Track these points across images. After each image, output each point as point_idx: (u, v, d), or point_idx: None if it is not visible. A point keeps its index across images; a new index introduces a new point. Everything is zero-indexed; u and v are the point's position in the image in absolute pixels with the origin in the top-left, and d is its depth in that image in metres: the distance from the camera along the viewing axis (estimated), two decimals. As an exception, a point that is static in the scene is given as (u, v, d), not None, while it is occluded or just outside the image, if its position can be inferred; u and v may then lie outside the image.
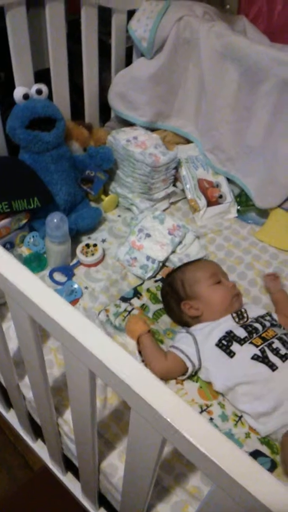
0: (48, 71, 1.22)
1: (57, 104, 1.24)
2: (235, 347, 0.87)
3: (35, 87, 1.10)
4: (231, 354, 0.87)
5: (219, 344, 0.88)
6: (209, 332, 0.91)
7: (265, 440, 0.82)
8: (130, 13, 1.29)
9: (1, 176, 1.09)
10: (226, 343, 0.88)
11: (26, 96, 1.09)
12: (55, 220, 1.04)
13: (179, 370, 0.90)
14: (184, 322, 0.99)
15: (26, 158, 1.14)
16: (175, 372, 0.91)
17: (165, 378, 0.90)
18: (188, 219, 1.30)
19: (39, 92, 1.10)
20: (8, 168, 1.12)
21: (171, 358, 0.90)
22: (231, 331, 0.89)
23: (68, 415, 0.84)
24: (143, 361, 0.93)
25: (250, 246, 1.23)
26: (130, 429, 0.51)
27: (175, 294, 1.00)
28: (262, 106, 1.13)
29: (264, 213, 1.28)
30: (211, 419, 0.85)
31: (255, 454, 0.80)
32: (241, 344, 0.87)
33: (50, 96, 1.18)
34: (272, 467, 0.79)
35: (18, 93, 1.08)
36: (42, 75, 1.24)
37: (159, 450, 0.49)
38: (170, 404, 0.43)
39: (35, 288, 0.52)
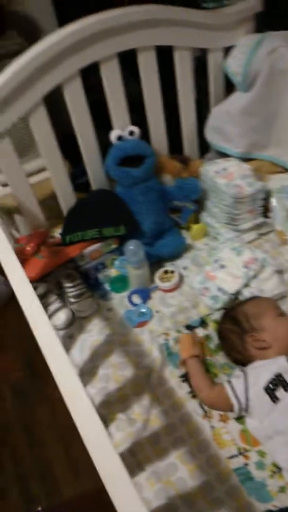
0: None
1: (154, 140, 1.36)
2: (280, 392, 0.82)
3: (128, 129, 1.24)
4: (274, 399, 0.82)
5: (266, 388, 0.84)
6: (260, 372, 0.88)
7: (301, 500, 0.75)
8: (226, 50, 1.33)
9: (95, 206, 1.26)
10: (272, 387, 0.83)
11: (119, 138, 1.24)
12: (132, 247, 1.14)
13: (225, 404, 0.88)
14: (243, 359, 0.96)
15: (119, 191, 1.28)
16: (219, 405, 0.90)
17: (211, 407, 0.91)
18: (276, 252, 1.25)
19: (131, 133, 1.24)
20: (102, 199, 1.28)
21: (217, 390, 0.90)
22: (280, 374, 0.84)
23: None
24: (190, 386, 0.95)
25: None
26: None
27: (237, 327, 0.98)
28: None
29: None
30: (245, 464, 0.82)
31: (285, 511, 0.74)
32: (286, 390, 0.81)
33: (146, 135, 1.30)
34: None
35: (113, 135, 1.24)
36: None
37: None
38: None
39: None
